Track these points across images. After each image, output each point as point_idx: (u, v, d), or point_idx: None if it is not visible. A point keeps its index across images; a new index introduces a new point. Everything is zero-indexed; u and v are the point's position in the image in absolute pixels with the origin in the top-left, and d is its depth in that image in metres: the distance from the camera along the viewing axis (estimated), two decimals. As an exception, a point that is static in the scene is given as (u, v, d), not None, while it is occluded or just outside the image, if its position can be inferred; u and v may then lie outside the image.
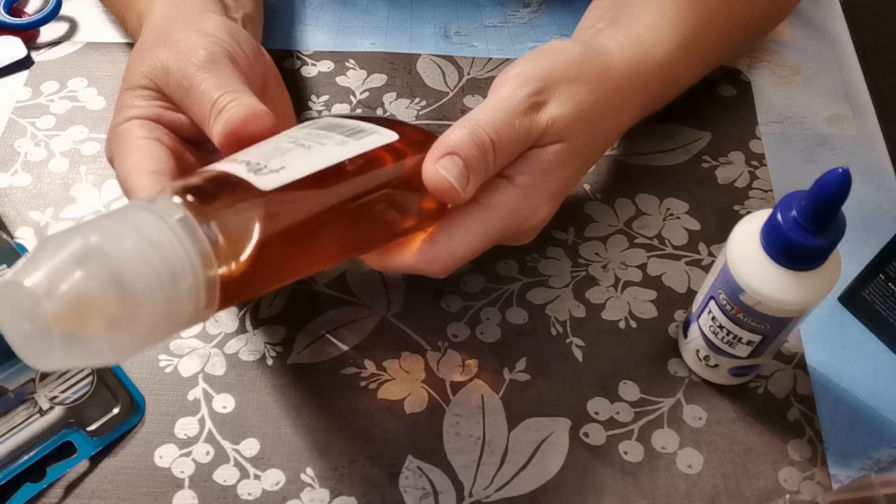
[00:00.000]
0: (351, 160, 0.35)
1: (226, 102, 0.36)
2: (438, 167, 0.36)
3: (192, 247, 0.28)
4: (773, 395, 0.43)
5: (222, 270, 0.29)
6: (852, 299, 0.46)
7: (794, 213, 0.34)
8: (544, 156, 0.39)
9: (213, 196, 0.30)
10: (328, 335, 0.44)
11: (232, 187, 0.31)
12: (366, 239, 0.37)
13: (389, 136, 0.37)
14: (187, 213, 0.28)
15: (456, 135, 0.37)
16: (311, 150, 0.34)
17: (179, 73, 0.38)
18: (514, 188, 0.39)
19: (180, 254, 0.27)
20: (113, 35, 0.57)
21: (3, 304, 0.26)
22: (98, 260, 0.26)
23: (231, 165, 0.32)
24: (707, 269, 0.47)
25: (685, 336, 0.43)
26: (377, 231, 0.37)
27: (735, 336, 0.39)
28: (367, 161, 0.36)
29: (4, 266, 0.42)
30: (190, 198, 0.29)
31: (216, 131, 0.36)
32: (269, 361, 0.44)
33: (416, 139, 0.38)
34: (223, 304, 0.30)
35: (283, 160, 0.33)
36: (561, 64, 0.41)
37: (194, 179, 0.31)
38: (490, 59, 0.56)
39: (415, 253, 0.38)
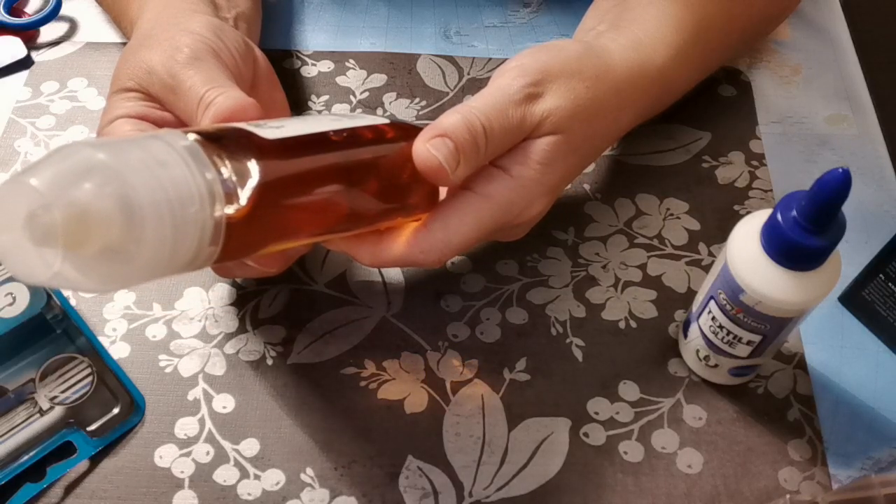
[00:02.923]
0: (345, 129, 0.36)
1: (213, 96, 0.36)
2: (429, 146, 0.36)
3: (199, 173, 0.27)
4: (773, 395, 0.43)
5: (226, 206, 0.28)
6: (852, 299, 0.46)
7: (794, 213, 0.34)
8: (539, 147, 0.39)
9: (218, 137, 0.30)
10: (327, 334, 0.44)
11: (236, 132, 0.31)
12: (359, 207, 0.37)
13: (383, 120, 0.39)
14: (194, 143, 0.28)
15: (448, 119, 0.37)
16: (307, 121, 0.36)
17: (164, 72, 0.38)
18: (510, 179, 0.39)
19: (188, 178, 0.27)
20: (113, 35, 0.57)
21: (2, 204, 0.25)
22: (106, 174, 0.25)
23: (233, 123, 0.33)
24: (707, 269, 0.47)
25: (685, 336, 0.43)
26: (370, 201, 0.37)
27: (735, 336, 0.39)
28: (360, 132, 0.37)
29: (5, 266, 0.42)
30: (195, 136, 0.29)
31: (205, 125, 0.36)
32: (269, 361, 0.44)
33: (411, 129, 0.39)
34: (226, 251, 0.29)
35: (282, 125, 0.34)
36: (560, 59, 0.41)
37: (198, 127, 0.31)
38: (490, 59, 0.56)
39: (408, 242, 0.38)
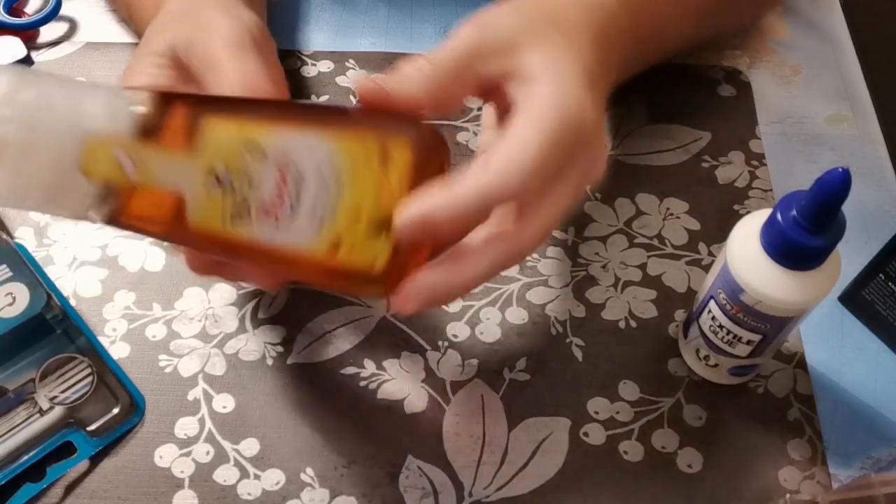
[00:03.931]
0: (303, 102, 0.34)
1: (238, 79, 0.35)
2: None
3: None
4: (773, 394, 0.43)
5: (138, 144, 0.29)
6: (852, 299, 0.46)
7: (794, 212, 0.34)
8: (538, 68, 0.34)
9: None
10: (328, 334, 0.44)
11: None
12: None
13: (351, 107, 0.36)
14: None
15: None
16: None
17: (203, 48, 0.37)
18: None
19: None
20: (113, 35, 0.57)
21: None
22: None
23: None
24: (707, 269, 0.47)
25: (685, 336, 0.43)
26: None
27: (735, 336, 0.39)
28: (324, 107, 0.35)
29: (5, 266, 0.42)
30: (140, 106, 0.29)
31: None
32: (269, 361, 0.44)
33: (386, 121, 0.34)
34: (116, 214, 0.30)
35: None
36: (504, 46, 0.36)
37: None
38: (490, 59, 0.56)
39: (478, 177, 0.31)
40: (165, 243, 0.34)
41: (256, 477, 0.40)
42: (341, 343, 0.44)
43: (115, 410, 0.41)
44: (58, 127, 0.27)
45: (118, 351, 0.44)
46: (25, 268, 0.42)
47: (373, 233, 0.32)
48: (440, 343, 0.44)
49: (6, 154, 0.27)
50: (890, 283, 0.43)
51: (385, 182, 0.31)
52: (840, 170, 0.32)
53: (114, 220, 0.30)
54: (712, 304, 0.39)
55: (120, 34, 0.57)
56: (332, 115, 0.34)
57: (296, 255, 0.32)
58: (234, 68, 0.36)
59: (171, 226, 0.31)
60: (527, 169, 0.32)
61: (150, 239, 0.35)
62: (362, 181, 0.32)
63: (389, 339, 0.44)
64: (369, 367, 0.43)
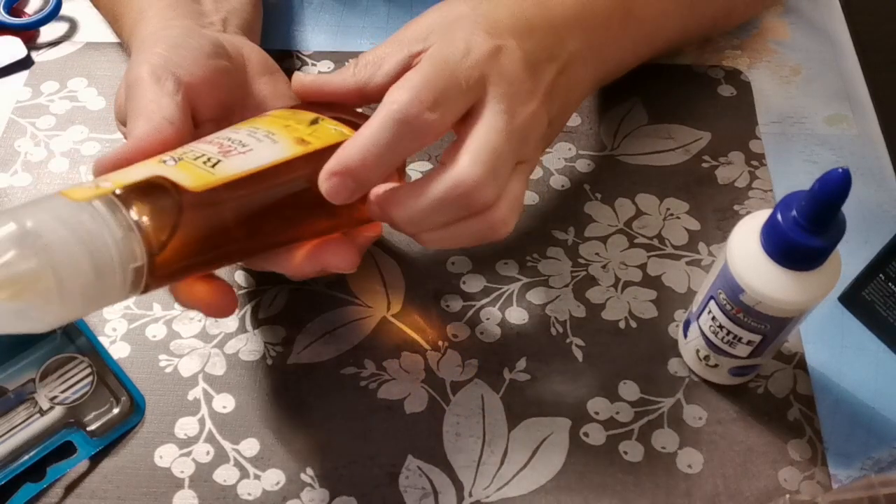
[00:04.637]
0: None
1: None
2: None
3: (119, 231, 0.29)
4: (773, 395, 0.43)
5: (145, 258, 0.30)
6: (852, 299, 0.46)
7: (794, 213, 0.34)
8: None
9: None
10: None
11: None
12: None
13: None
14: (114, 200, 0.30)
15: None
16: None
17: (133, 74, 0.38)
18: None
19: (106, 238, 0.29)
20: (113, 35, 0.57)
21: None
22: (34, 242, 0.27)
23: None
24: (707, 269, 0.47)
25: (685, 336, 0.43)
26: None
27: (735, 336, 0.39)
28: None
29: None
30: (120, 191, 0.30)
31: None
32: (269, 361, 0.44)
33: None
34: (150, 283, 0.31)
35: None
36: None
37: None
38: (490, 59, 0.56)
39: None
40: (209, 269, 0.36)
41: (256, 477, 0.40)
42: (341, 343, 0.44)
43: (115, 410, 0.41)
44: (66, 239, 0.28)
45: (118, 351, 0.44)
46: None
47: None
48: (440, 343, 0.44)
49: (42, 285, 0.27)
50: (890, 283, 0.43)
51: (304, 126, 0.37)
52: (840, 170, 0.32)
53: (153, 276, 0.31)
54: (712, 304, 0.39)
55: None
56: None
57: (284, 163, 0.35)
58: (149, 99, 0.37)
59: (189, 218, 0.32)
60: (414, 85, 0.35)
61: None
62: (285, 128, 0.37)
63: (389, 339, 0.44)
64: (369, 367, 0.43)
